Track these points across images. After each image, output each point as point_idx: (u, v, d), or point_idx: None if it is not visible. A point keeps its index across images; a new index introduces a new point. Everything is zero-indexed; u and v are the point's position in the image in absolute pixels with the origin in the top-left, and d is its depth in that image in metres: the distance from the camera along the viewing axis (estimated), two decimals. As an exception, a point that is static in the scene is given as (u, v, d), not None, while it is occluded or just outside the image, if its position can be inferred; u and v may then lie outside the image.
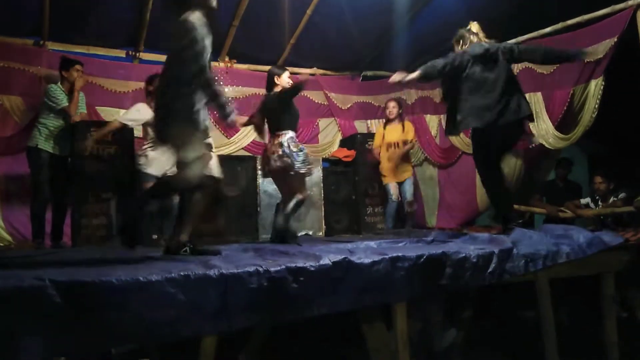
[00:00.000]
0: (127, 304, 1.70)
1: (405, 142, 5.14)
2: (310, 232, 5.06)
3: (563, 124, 4.70)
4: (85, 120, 4.30)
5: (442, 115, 6.05)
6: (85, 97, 4.45)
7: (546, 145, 4.78)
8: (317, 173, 5.17)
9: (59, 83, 4.24)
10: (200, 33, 2.41)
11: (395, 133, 5.21)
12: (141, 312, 1.72)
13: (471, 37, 3.52)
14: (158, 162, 3.90)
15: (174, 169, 4.21)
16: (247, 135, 5.61)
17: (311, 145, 5.93)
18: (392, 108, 5.25)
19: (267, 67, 3.91)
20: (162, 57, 2.76)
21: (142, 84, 4.49)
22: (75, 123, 4.21)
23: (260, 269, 1.99)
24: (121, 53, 5.28)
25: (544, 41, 4.90)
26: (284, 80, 3.69)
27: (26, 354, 1.58)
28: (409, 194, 5.13)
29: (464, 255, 2.59)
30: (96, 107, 4.88)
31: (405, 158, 5.18)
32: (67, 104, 4.16)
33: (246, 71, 5.76)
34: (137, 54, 5.29)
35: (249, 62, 5.76)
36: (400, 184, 5.14)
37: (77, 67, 4.26)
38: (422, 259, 2.44)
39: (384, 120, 5.46)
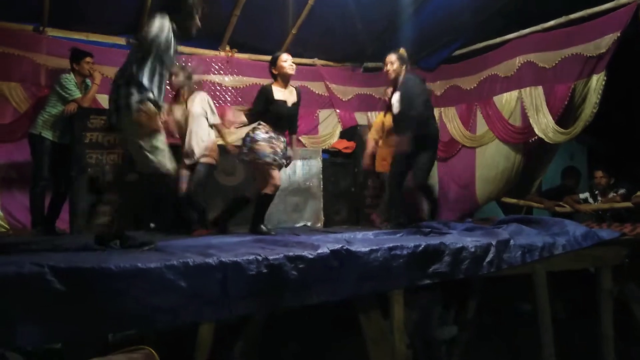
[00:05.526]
0: (126, 290, 1.71)
1: None
2: (309, 223, 5.06)
3: (563, 119, 4.70)
4: (85, 108, 4.28)
5: (442, 108, 6.06)
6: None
7: (546, 140, 4.78)
8: (317, 164, 5.16)
9: (71, 74, 4.23)
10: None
11: None
12: (140, 299, 1.73)
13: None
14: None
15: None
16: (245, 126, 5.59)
17: (311, 136, 5.92)
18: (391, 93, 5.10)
19: (269, 57, 3.88)
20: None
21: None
22: (75, 111, 4.19)
23: (259, 257, 2.00)
24: (121, 40, 5.20)
25: (547, 35, 4.88)
26: (279, 65, 3.65)
27: (25, 339, 1.58)
28: None
29: (462, 245, 2.60)
30: (95, 95, 4.84)
31: None
32: (79, 95, 4.18)
33: (247, 61, 5.73)
34: (138, 42, 5.25)
35: (250, 52, 5.73)
36: None
37: (88, 59, 4.27)
38: (420, 248, 2.45)
39: (386, 109, 5.28)
